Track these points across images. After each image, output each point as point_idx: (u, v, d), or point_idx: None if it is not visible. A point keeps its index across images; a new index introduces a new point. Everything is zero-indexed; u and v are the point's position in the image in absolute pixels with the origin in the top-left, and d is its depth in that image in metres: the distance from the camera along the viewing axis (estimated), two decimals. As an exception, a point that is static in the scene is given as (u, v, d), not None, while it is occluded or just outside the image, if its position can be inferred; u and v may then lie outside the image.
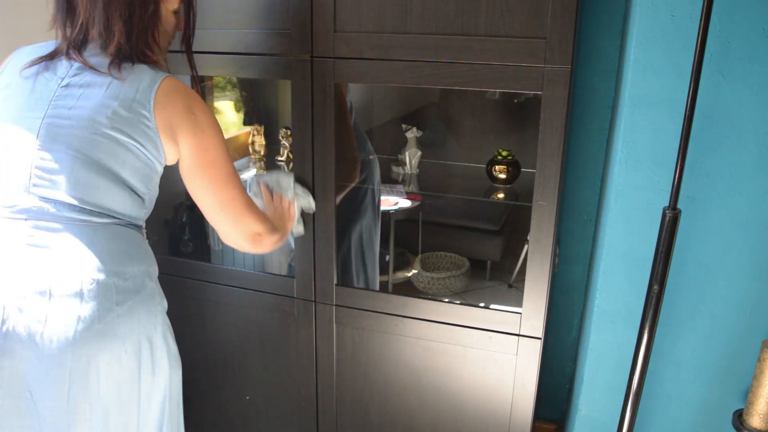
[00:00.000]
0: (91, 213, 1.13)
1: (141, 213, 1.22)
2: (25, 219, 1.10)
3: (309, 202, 1.52)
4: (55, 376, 1.09)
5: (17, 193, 1.11)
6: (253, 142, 1.94)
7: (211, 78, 1.95)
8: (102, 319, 1.11)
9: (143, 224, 1.26)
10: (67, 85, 1.12)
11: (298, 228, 1.54)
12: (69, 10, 1.15)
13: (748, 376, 1.33)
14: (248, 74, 1.62)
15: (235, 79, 2.02)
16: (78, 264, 1.10)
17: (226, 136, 1.72)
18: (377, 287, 1.94)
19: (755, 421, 1.24)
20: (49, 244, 1.10)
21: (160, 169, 1.21)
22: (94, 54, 1.15)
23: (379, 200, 1.89)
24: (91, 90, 1.12)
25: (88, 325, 1.09)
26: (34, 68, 1.16)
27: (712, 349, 1.35)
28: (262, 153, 1.94)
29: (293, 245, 1.60)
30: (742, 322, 1.31)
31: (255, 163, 1.95)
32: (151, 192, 1.23)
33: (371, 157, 1.84)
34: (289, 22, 1.46)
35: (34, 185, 1.10)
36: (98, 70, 1.13)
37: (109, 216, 1.15)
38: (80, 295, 1.09)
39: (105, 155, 1.12)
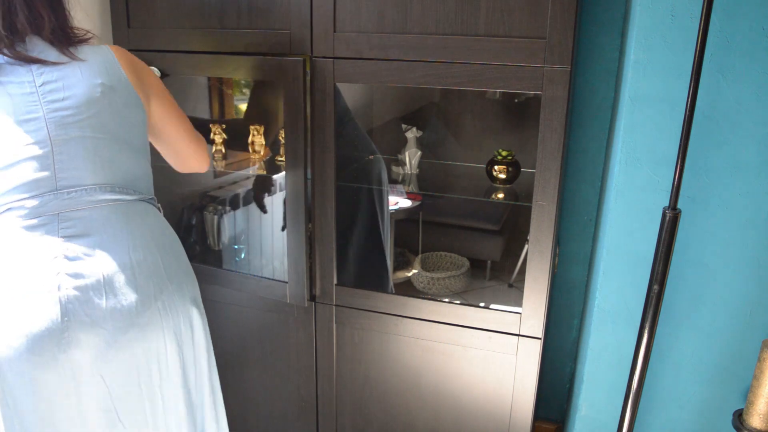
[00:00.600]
0: (121, 191, 1.17)
1: (151, 176, 1.29)
2: (58, 214, 1.11)
3: None
4: (126, 356, 1.13)
5: (44, 191, 1.11)
6: (252, 142, 1.93)
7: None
8: (160, 296, 1.16)
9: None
10: (43, 84, 1.12)
11: None
12: None
13: (748, 376, 1.33)
14: (245, 75, 1.62)
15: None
16: (123, 245, 1.14)
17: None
18: (390, 289, 1.94)
19: (755, 421, 1.24)
20: (89, 231, 1.12)
21: (147, 131, 1.28)
22: (39, 50, 1.13)
23: (387, 200, 1.89)
24: (69, 80, 1.13)
25: (150, 306, 1.14)
26: None
27: (712, 349, 1.35)
28: (262, 153, 1.94)
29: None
30: (742, 322, 1.31)
31: (255, 162, 1.95)
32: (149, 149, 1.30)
33: (371, 157, 1.84)
34: (289, 22, 1.46)
35: (60, 178, 1.12)
36: (56, 63, 1.13)
37: (134, 191, 1.20)
38: (134, 276, 1.13)
39: (116, 127, 1.17)
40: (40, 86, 1.12)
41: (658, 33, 1.18)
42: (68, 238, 1.11)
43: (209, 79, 1.94)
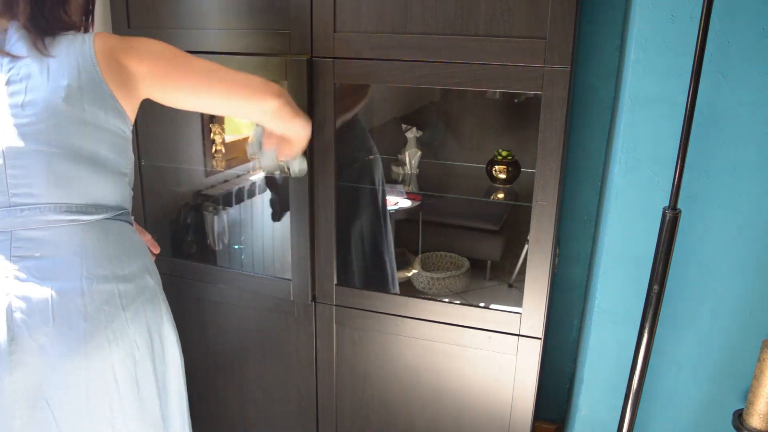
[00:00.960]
0: (77, 211, 1.09)
1: (127, 193, 1.19)
2: (11, 232, 1.06)
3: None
4: (72, 383, 1.09)
5: None
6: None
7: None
8: (110, 326, 1.11)
9: (130, 212, 1.22)
10: (7, 83, 1.05)
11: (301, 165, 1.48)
12: None
13: (748, 376, 1.33)
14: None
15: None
16: (75, 270, 1.08)
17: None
18: (395, 289, 1.94)
19: (755, 421, 1.24)
20: (41, 253, 1.07)
21: (130, 135, 1.16)
22: (14, 41, 1.06)
23: (385, 200, 1.89)
24: (34, 80, 1.05)
25: (98, 334, 1.09)
26: None
27: (712, 349, 1.35)
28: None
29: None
30: (742, 322, 1.31)
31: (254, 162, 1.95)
32: (130, 164, 1.19)
33: (371, 156, 1.84)
34: (289, 23, 1.46)
35: (14, 195, 1.06)
36: (24, 57, 1.06)
37: (96, 210, 1.12)
38: (84, 305, 1.08)
39: (79, 139, 1.07)
40: (4, 85, 1.06)
41: (658, 33, 1.18)
42: (19, 258, 1.06)
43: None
